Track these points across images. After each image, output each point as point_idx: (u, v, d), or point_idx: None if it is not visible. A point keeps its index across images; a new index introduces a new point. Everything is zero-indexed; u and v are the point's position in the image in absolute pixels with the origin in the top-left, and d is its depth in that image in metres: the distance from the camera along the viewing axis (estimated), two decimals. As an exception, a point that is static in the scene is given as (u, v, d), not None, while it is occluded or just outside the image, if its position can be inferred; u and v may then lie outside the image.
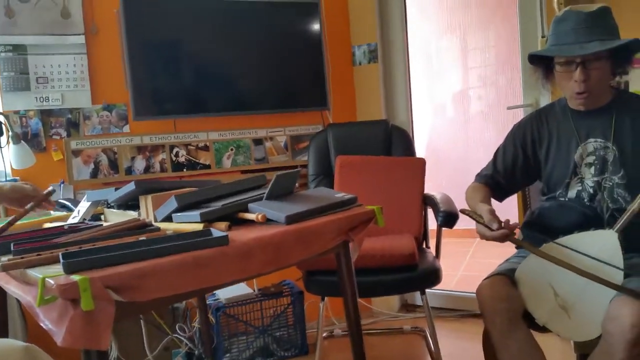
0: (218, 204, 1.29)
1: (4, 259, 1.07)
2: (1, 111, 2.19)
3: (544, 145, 1.57)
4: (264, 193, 1.36)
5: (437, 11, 4.48)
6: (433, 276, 2.04)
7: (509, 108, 2.70)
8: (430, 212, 2.30)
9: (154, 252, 1.00)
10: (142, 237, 1.13)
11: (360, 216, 1.36)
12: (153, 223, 1.33)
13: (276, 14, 2.59)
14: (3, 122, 2.13)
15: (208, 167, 2.58)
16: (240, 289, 2.40)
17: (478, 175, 1.67)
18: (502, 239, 1.37)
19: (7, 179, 2.24)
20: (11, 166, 2.21)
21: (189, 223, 1.25)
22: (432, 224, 2.23)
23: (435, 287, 2.14)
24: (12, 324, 1.92)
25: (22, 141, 2.17)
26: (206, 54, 2.53)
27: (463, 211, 1.53)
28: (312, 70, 2.67)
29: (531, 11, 2.41)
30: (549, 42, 1.48)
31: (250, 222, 1.27)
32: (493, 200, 1.61)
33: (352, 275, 1.45)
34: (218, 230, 1.16)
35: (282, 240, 1.17)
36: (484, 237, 1.41)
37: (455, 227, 2.04)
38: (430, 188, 2.39)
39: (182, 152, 2.54)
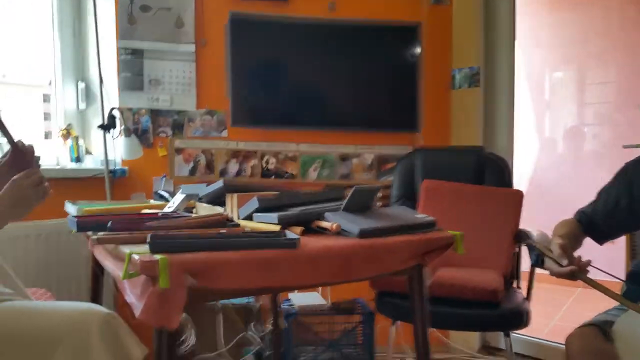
0: (296, 210, 1.32)
1: (101, 234, 1.19)
2: (117, 106, 2.41)
3: None
4: (341, 205, 1.37)
5: (551, 41, 4.26)
6: (519, 318, 1.89)
7: (625, 147, 2.48)
8: (525, 251, 2.15)
9: (227, 244, 1.04)
10: (222, 231, 1.19)
11: (437, 240, 1.31)
12: (235, 219, 1.39)
13: (376, 35, 2.62)
14: (118, 116, 2.35)
15: (294, 177, 2.66)
16: (314, 299, 2.42)
17: (577, 211, 1.55)
18: (570, 276, 1.26)
19: (117, 167, 2.46)
20: (122, 157, 2.43)
21: (267, 223, 1.29)
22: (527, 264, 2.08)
23: (523, 332, 1.99)
24: (106, 295, 2.08)
25: (132, 135, 2.37)
26: (303, 70, 2.62)
27: (531, 244, 1.42)
28: (406, 92, 2.66)
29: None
30: None
31: (325, 232, 1.28)
32: (591, 242, 1.48)
33: (424, 302, 1.40)
34: (292, 233, 1.18)
35: (352, 253, 1.16)
36: (552, 272, 1.31)
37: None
38: (530, 225, 2.24)
39: (272, 160, 2.63)
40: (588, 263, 1.27)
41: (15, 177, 1.15)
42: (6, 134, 1.26)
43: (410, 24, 2.64)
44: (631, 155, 2.44)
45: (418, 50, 2.64)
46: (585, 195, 1.57)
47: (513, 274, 2.18)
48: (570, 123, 4.23)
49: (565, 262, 1.27)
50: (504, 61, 2.76)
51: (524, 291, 2.08)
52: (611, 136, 3.96)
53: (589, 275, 1.28)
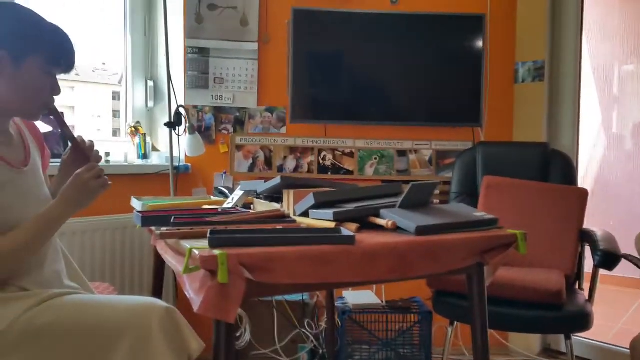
0: (352, 206, 1.32)
1: (164, 229, 1.24)
2: (183, 104, 2.51)
3: None
4: (398, 202, 1.36)
5: (622, 33, 4.02)
6: (581, 320, 1.82)
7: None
8: (588, 251, 2.07)
9: (284, 240, 1.06)
10: (279, 227, 1.21)
11: (498, 239, 1.28)
12: (291, 215, 1.41)
13: (439, 27, 2.57)
14: (183, 114, 2.44)
15: (351, 172, 2.66)
16: (369, 297, 2.41)
17: None
18: None
19: (180, 164, 2.56)
20: (185, 153, 2.52)
21: (322, 220, 1.30)
22: (590, 264, 2.00)
23: (585, 335, 1.91)
24: (165, 290, 2.17)
25: (196, 132, 2.46)
26: (363, 65, 2.61)
27: (626, 257, 1.35)
28: (469, 85, 2.59)
29: None
30: None
31: (381, 228, 1.28)
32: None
33: (484, 302, 1.36)
34: (348, 230, 1.19)
35: (408, 249, 1.15)
36: None
37: (623, 275, 1.81)
38: (594, 224, 2.15)
39: (329, 156, 2.65)
40: None
41: (77, 171, 1.22)
42: (66, 130, 1.34)
43: (474, 15, 2.58)
44: None
45: (481, 42, 2.57)
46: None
47: (576, 274, 2.09)
48: (639, 119, 3.97)
49: None
50: (570, 54, 2.63)
51: (586, 293, 2.00)
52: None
53: None
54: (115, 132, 2.94)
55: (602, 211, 3.41)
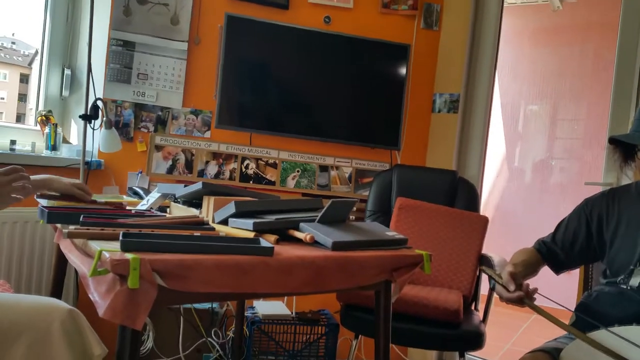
0: (272, 217, 1.34)
1: (72, 227, 1.18)
2: (102, 97, 2.39)
3: (612, 225, 1.49)
4: (317, 216, 1.40)
5: (529, 75, 4.42)
6: (475, 340, 1.96)
7: (586, 184, 2.59)
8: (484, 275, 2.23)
9: (201, 248, 1.06)
10: (197, 233, 1.20)
11: (406, 258, 1.35)
12: (210, 223, 1.40)
13: (366, 51, 2.67)
14: (101, 107, 2.33)
15: (273, 183, 2.67)
16: (279, 308, 2.43)
17: (537, 240, 1.62)
18: (517, 301, 1.34)
19: (92, 159, 2.43)
20: (99, 149, 2.40)
21: (242, 230, 1.31)
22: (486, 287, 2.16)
23: (477, 354, 2.06)
24: (66, 290, 2.05)
25: (113, 127, 2.35)
26: (292, 78, 2.65)
27: (483, 270, 1.51)
28: (390, 109, 2.71)
29: (627, 90, 2.33)
30: (632, 127, 1.43)
31: (299, 241, 1.31)
32: (548, 272, 1.55)
33: (389, 317, 1.44)
34: (267, 241, 1.20)
35: (324, 264, 1.19)
36: (501, 297, 1.39)
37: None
38: (491, 249, 2.32)
39: (252, 165, 2.65)
40: (535, 290, 1.35)
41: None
42: None
43: (400, 44, 2.71)
44: (593, 191, 2.57)
45: (405, 70, 2.71)
46: (547, 225, 1.65)
47: (473, 296, 2.25)
48: (539, 155, 4.37)
49: (512, 287, 1.34)
50: (483, 90, 2.85)
51: (480, 313, 2.15)
52: (577, 171, 4.11)
53: (537, 303, 1.35)
54: (20, 117, 2.74)
55: (500, 238, 3.68)
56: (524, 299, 1.33)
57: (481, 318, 2.11)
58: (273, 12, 2.64)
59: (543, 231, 1.64)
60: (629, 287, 1.43)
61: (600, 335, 1.31)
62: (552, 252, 1.57)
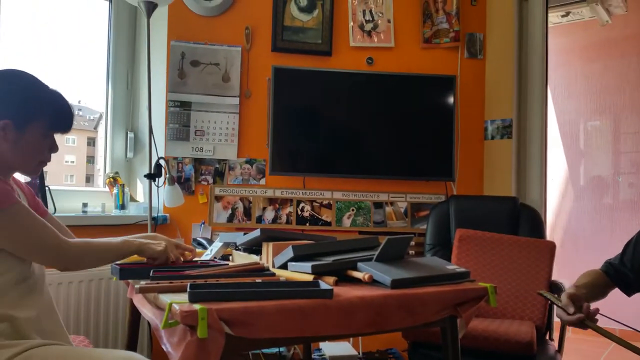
0: (330, 259, 1.36)
1: (143, 282, 1.25)
2: (163, 156, 2.54)
3: None
4: (374, 255, 1.40)
5: (585, 91, 4.28)
6: (553, 371, 1.87)
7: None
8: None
9: (264, 295, 1.09)
10: (258, 280, 1.24)
11: (470, 292, 1.33)
12: (270, 268, 1.44)
13: (411, 86, 2.70)
14: (163, 165, 2.47)
15: (329, 224, 2.70)
16: (346, 349, 2.40)
17: (604, 262, 1.54)
18: (577, 323, 1.28)
19: (158, 214, 2.57)
20: (164, 204, 2.54)
21: (301, 273, 1.34)
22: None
23: (556, 386, 1.94)
24: (140, 343, 2.13)
25: (175, 183, 2.48)
26: (340, 120, 2.71)
27: (540, 294, 1.44)
28: (441, 141, 2.70)
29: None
30: None
31: (358, 281, 1.32)
32: (619, 294, 1.47)
33: (457, 353, 1.40)
34: (326, 283, 1.22)
35: (384, 303, 1.19)
36: (561, 320, 1.33)
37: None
38: (564, 275, 2.22)
39: (307, 207, 2.70)
40: (596, 312, 1.29)
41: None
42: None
43: (446, 76, 2.73)
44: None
45: (452, 101, 2.71)
46: (620, 244, 1.56)
47: (546, 325, 2.14)
48: (605, 172, 4.17)
49: (571, 310, 1.29)
50: (536, 112, 2.79)
51: (556, 343, 2.04)
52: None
53: (608, 326, 1.28)
54: (89, 178, 2.92)
55: (572, 262, 3.50)
56: (585, 320, 1.28)
57: (557, 348, 2.00)
58: (317, 60, 2.74)
59: (616, 251, 1.56)
60: None
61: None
62: (621, 274, 1.49)
